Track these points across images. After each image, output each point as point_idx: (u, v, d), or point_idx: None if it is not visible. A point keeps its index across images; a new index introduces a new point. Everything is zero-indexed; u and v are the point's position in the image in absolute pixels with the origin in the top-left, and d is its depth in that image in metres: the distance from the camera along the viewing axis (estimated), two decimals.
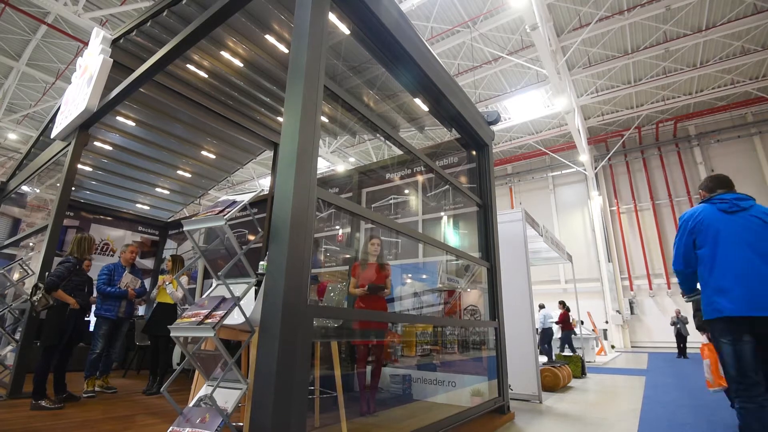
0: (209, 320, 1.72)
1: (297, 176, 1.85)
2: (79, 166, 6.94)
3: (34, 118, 17.44)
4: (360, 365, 3.82)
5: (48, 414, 3.36)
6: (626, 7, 12.38)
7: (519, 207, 5.51)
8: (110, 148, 6.52)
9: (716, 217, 2.39)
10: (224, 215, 1.80)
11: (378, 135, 2.91)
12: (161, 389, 1.76)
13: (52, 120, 5.60)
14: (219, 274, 1.78)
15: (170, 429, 1.73)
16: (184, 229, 1.90)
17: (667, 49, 13.61)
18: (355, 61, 4.63)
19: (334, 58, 4.56)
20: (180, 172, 7.43)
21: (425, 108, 4.30)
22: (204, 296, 1.96)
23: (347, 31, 3.36)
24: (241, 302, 2.21)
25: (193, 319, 1.75)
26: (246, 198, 1.95)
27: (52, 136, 5.11)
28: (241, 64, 4.70)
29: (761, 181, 16.53)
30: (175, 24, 3.94)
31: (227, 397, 1.81)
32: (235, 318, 1.98)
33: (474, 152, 4.75)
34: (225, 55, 4.58)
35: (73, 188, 7.67)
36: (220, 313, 1.75)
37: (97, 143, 6.36)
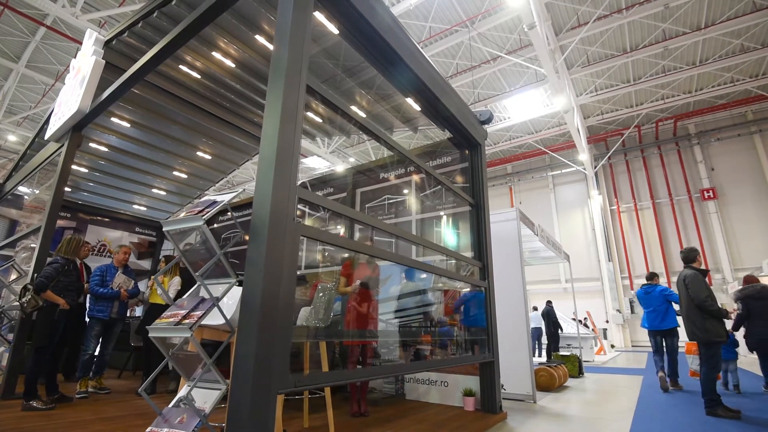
0: (187, 320, 1.72)
1: (276, 177, 1.85)
2: (76, 167, 7.01)
3: (34, 119, 17.49)
4: (350, 365, 3.81)
5: (39, 415, 3.37)
6: (625, 5, 12.34)
7: (514, 206, 5.49)
8: (107, 150, 6.53)
9: (642, 295, 6.29)
10: (203, 215, 1.80)
11: (364, 134, 2.90)
12: (139, 390, 1.75)
13: (48, 121, 5.61)
14: (197, 274, 1.78)
15: (149, 429, 1.73)
16: (164, 229, 1.90)
17: (666, 47, 13.56)
18: (350, 63, 4.64)
19: (328, 60, 4.57)
20: (176, 173, 7.44)
21: (418, 108, 4.30)
22: (185, 296, 1.96)
23: (336, 32, 3.37)
24: (228, 303, 2.21)
25: (171, 319, 1.75)
26: (226, 198, 1.94)
27: (46, 137, 5.12)
28: (233, 65, 4.71)
29: (761, 179, 16.48)
30: (165, 25, 3.94)
31: (206, 398, 1.81)
32: (221, 318, 1.98)
33: (467, 152, 4.74)
34: (217, 56, 4.59)
35: (69, 189, 7.75)
36: (199, 313, 1.75)
37: (93, 145, 6.37)
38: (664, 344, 6.01)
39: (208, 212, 1.83)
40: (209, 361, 1.74)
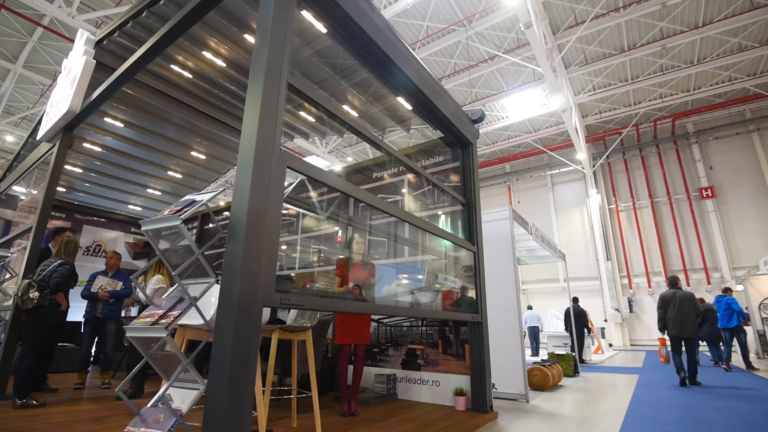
0: (163, 320, 1.72)
1: (254, 175, 1.84)
2: (71, 168, 7.01)
3: (32, 120, 17.48)
4: (342, 364, 3.80)
5: (25, 415, 3.36)
6: (622, 4, 12.32)
7: (512, 206, 5.49)
8: (103, 150, 6.53)
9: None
10: (180, 215, 1.79)
11: (351, 133, 2.90)
12: (116, 390, 1.75)
13: (41, 122, 5.61)
14: (174, 273, 1.77)
15: (126, 429, 1.73)
16: (143, 229, 1.89)
17: (664, 46, 13.54)
18: (346, 63, 4.64)
19: (325, 60, 4.58)
20: (171, 173, 7.44)
21: (409, 108, 4.29)
22: (164, 296, 1.96)
23: (324, 30, 3.36)
24: (215, 302, 2.20)
25: (148, 319, 1.75)
26: (206, 198, 1.94)
27: (38, 137, 5.11)
28: (224, 65, 4.70)
29: (760, 178, 16.45)
30: (154, 24, 3.94)
31: (185, 398, 1.81)
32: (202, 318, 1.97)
33: (459, 150, 4.73)
34: (208, 55, 4.58)
35: (64, 190, 7.75)
36: (175, 313, 1.74)
37: (87, 145, 6.37)
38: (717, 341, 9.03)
39: (186, 212, 1.82)
40: (186, 360, 1.73)
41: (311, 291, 3.54)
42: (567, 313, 9.89)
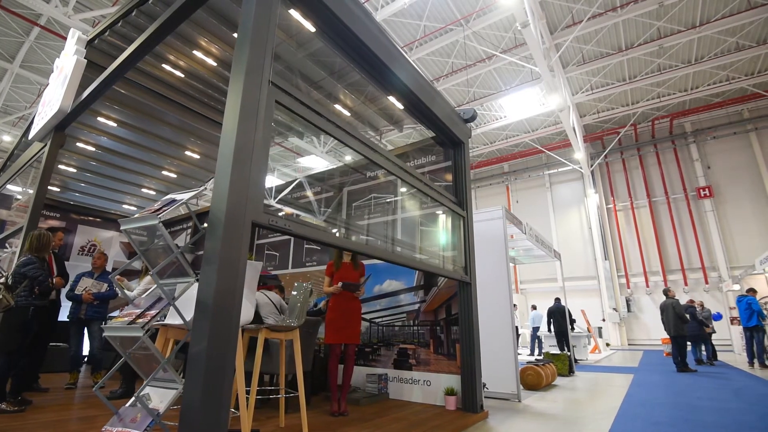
0: (140, 320, 1.71)
1: (233, 177, 1.83)
2: (65, 167, 7.01)
3: (29, 119, 17.48)
4: (332, 363, 3.79)
5: (15, 415, 3.35)
6: (619, 3, 12.31)
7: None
8: (97, 150, 6.53)
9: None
10: (158, 214, 1.78)
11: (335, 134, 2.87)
12: (94, 388, 1.74)
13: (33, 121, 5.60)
14: (152, 272, 1.76)
15: (103, 428, 1.72)
16: (122, 228, 1.89)
17: (662, 45, 13.54)
18: (335, 63, 4.63)
19: (321, 60, 4.58)
20: (165, 173, 7.43)
21: (401, 107, 4.28)
22: (143, 295, 1.95)
23: (312, 29, 3.35)
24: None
25: (125, 318, 1.74)
26: (185, 197, 1.93)
27: (30, 137, 5.11)
28: (215, 64, 4.70)
29: (757, 177, 16.46)
30: (144, 23, 3.93)
31: (162, 397, 1.80)
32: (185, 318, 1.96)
33: (451, 150, 4.72)
34: (199, 54, 4.58)
35: (58, 190, 7.75)
36: (153, 312, 1.74)
37: (81, 144, 6.38)
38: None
39: (165, 211, 1.81)
40: (164, 360, 1.72)
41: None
42: (549, 313, 10.38)
